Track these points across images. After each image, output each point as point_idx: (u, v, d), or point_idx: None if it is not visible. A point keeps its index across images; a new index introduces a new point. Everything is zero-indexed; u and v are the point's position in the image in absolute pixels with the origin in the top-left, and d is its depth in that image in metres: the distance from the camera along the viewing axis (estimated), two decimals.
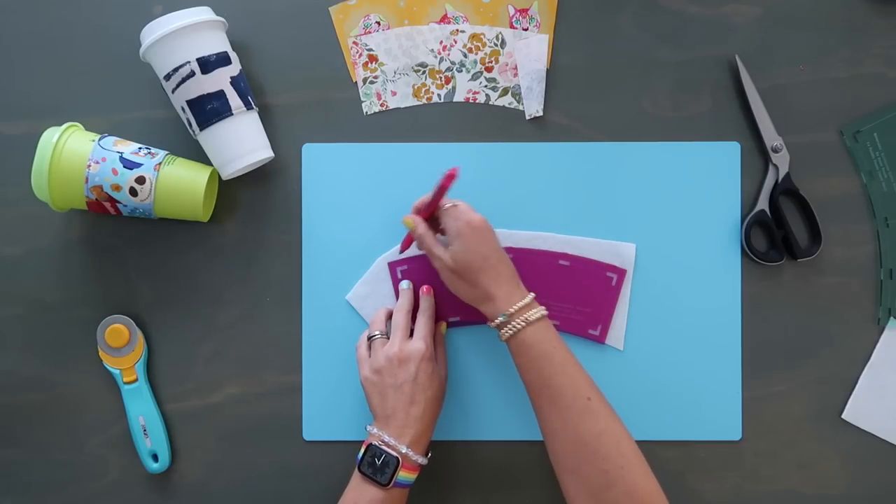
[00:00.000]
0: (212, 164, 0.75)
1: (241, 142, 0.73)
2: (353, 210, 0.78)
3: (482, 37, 0.79)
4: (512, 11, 0.78)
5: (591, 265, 0.77)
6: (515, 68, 0.78)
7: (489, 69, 0.79)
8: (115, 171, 0.71)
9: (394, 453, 0.66)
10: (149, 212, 0.74)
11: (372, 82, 0.79)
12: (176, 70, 0.71)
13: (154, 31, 0.71)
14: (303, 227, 0.78)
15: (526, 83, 0.78)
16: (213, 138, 0.73)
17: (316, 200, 0.78)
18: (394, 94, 0.79)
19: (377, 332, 0.72)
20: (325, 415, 0.77)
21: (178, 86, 0.72)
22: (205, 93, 0.71)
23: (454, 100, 0.79)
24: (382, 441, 0.67)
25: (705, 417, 0.77)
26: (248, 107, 0.74)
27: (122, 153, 0.72)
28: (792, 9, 0.79)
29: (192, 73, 0.71)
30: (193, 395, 0.78)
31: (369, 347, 0.72)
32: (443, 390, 0.72)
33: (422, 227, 0.71)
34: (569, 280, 0.76)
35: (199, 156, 0.75)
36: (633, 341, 0.77)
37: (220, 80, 0.72)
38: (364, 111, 0.79)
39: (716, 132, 0.78)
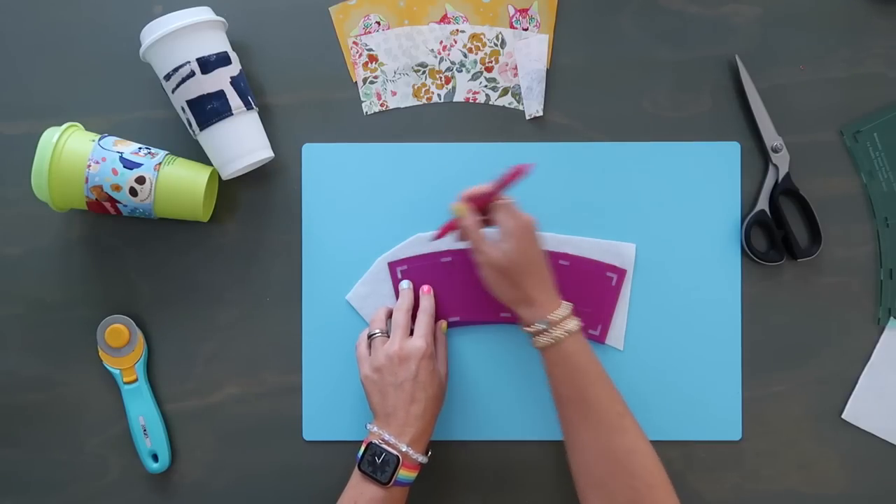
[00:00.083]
0: (212, 164, 0.75)
1: (241, 142, 0.73)
2: (353, 210, 0.78)
3: (482, 37, 0.79)
4: (512, 11, 0.78)
5: (591, 265, 0.77)
6: (515, 68, 0.78)
7: (489, 69, 0.79)
8: (115, 171, 0.71)
9: (394, 452, 0.66)
10: (149, 212, 0.74)
11: (372, 82, 0.79)
12: (176, 70, 0.71)
13: (154, 31, 0.71)
14: (303, 227, 0.78)
15: (526, 83, 0.78)
16: (213, 138, 0.73)
17: (316, 200, 0.78)
18: (394, 94, 0.79)
19: (377, 331, 0.72)
20: (325, 415, 0.77)
21: (178, 86, 0.72)
22: (205, 93, 0.71)
23: (454, 100, 0.79)
24: (383, 439, 0.67)
25: (705, 417, 0.77)
26: (248, 107, 0.74)
27: (122, 153, 0.72)
28: (792, 9, 0.79)
29: (192, 73, 0.71)
30: (193, 395, 0.78)
31: (369, 346, 0.72)
32: (443, 389, 0.72)
33: (472, 218, 0.69)
34: (569, 280, 0.76)
35: (199, 156, 0.75)
36: (633, 341, 0.77)
37: (220, 80, 0.72)
38: (364, 111, 0.79)
39: (716, 132, 0.78)
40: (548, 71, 0.78)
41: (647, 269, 0.77)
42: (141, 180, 0.72)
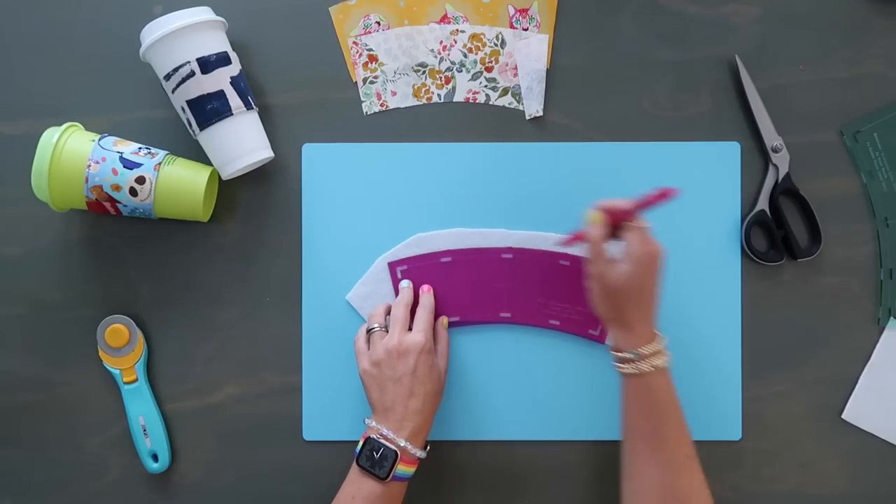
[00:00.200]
0: (212, 164, 0.75)
1: (241, 142, 0.73)
2: (353, 210, 0.78)
3: (482, 37, 0.79)
4: (512, 11, 0.78)
5: None
6: (515, 68, 0.78)
7: (489, 69, 0.79)
8: (115, 171, 0.71)
9: (392, 446, 0.66)
10: (149, 212, 0.74)
11: (372, 82, 0.79)
12: (176, 70, 0.71)
13: (154, 31, 0.71)
14: (303, 227, 0.78)
15: (526, 83, 0.78)
16: (213, 138, 0.73)
17: (316, 200, 0.78)
18: (394, 94, 0.79)
19: (376, 325, 0.72)
20: (325, 415, 0.77)
21: (178, 86, 0.72)
22: (205, 93, 0.71)
23: (454, 100, 0.79)
24: (381, 434, 0.67)
25: (705, 417, 0.77)
26: (248, 107, 0.74)
27: (122, 153, 0.72)
28: (792, 9, 0.79)
29: (192, 73, 0.71)
30: (193, 395, 0.78)
31: (368, 340, 0.72)
32: (442, 384, 0.72)
33: (601, 232, 0.67)
34: (569, 280, 0.76)
35: (199, 156, 0.75)
36: None
37: (220, 80, 0.72)
38: (364, 111, 0.79)
39: (716, 132, 0.78)
40: (548, 71, 0.78)
41: None
42: (141, 180, 0.72)
